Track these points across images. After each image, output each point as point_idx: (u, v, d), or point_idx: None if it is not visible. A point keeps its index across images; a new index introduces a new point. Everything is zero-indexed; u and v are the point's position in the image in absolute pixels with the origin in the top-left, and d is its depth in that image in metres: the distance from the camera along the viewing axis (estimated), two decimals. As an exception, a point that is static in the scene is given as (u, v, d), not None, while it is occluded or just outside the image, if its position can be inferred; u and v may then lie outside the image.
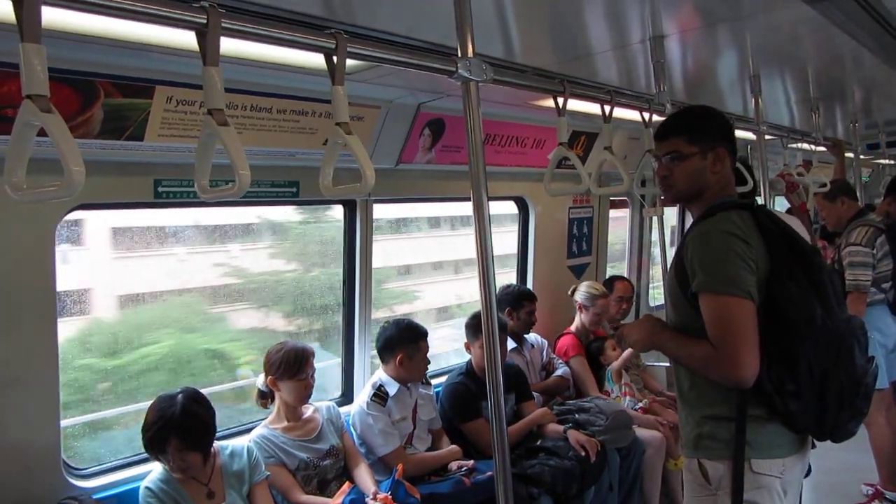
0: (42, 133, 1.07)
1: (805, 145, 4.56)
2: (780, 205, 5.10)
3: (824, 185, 4.30)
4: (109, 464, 2.82)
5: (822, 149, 4.91)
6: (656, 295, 6.08)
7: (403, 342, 3.39)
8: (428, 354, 3.46)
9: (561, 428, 3.73)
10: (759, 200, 3.57)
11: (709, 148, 2.06)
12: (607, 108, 2.44)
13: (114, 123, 2.31)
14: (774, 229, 1.91)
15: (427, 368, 3.49)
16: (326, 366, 3.85)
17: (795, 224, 3.31)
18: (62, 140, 1.05)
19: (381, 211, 3.87)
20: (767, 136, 3.55)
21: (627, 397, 4.32)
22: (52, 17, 1.08)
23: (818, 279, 1.88)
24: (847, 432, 1.95)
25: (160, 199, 2.74)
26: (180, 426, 2.47)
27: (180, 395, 2.54)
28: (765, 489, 1.92)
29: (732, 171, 2.12)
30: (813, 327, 1.82)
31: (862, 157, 6.44)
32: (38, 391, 2.48)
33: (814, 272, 1.88)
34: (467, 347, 3.78)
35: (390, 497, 2.86)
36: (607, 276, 5.16)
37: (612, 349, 4.48)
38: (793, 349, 1.83)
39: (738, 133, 3.28)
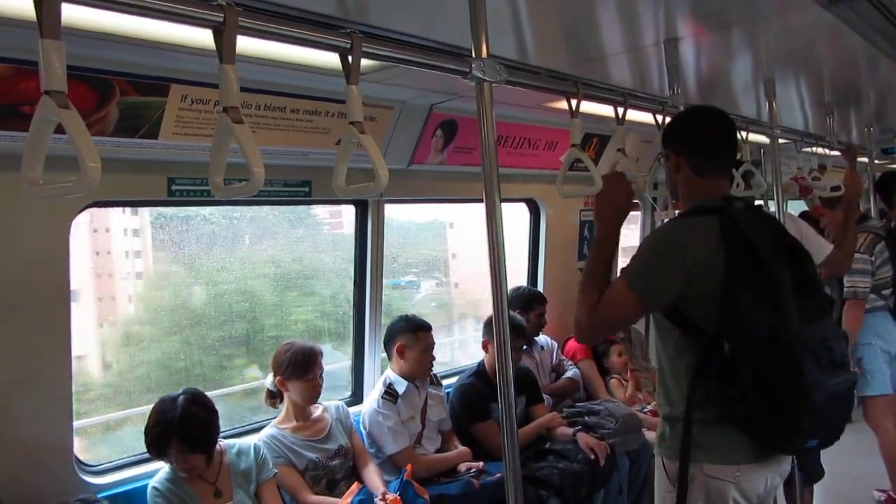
0: (58, 130, 1.08)
1: (819, 149, 4.52)
2: (793, 207, 5.07)
3: (838, 188, 4.27)
4: (121, 461, 2.84)
5: (837, 153, 4.88)
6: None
7: (402, 332, 3.44)
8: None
9: (570, 431, 3.72)
10: (772, 205, 3.56)
11: (671, 152, 2.16)
12: (620, 111, 2.43)
13: (129, 121, 2.32)
14: (737, 235, 1.90)
15: (431, 363, 3.49)
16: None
17: (797, 228, 3.32)
18: (79, 136, 1.05)
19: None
20: (781, 140, 3.52)
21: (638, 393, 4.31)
22: (71, 14, 1.08)
23: (776, 290, 1.86)
24: (793, 447, 1.98)
25: (174, 197, 2.76)
26: (181, 429, 2.48)
27: (181, 398, 2.54)
28: (717, 493, 1.93)
29: (701, 176, 2.10)
30: (758, 337, 1.82)
31: (877, 161, 6.39)
32: (51, 388, 2.49)
33: (773, 282, 1.87)
34: (485, 346, 3.78)
35: (399, 498, 2.86)
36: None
37: (617, 354, 4.47)
38: (738, 356, 1.84)
39: (752, 136, 3.27)
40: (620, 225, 2.16)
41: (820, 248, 3.56)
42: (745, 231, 1.91)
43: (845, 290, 3.94)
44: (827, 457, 3.75)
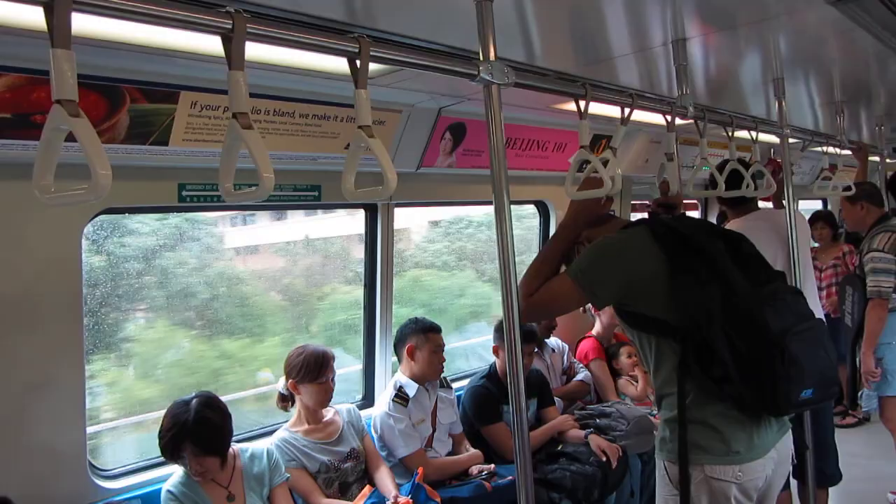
0: (70, 138, 1.09)
1: (830, 149, 4.49)
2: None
3: (849, 188, 4.25)
4: (134, 465, 2.85)
5: (848, 152, 4.85)
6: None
7: (412, 333, 3.45)
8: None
9: (582, 433, 3.71)
10: (784, 204, 3.54)
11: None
12: (627, 112, 2.43)
13: (139, 128, 2.34)
14: (668, 234, 2.07)
15: (441, 365, 3.49)
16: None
17: (772, 219, 3.32)
18: (90, 144, 1.06)
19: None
20: (791, 140, 3.50)
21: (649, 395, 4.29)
22: (81, 23, 1.09)
23: (716, 264, 1.99)
24: (790, 403, 1.96)
25: (184, 203, 2.77)
26: (194, 432, 2.49)
27: (194, 401, 2.55)
28: (720, 494, 1.96)
29: None
30: (713, 310, 1.92)
31: (888, 160, 6.34)
32: (64, 393, 2.51)
33: (710, 258, 2.00)
34: (496, 351, 3.79)
35: (411, 500, 2.87)
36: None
37: (626, 356, 4.46)
38: (707, 336, 1.92)
39: (762, 136, 3.25)
40: (585, 224, 2.30)
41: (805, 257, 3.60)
42: (674, 226, 2.10)
43: (868, 289, 3.91)
44: (842, 459, 3.73)
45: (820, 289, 5.63)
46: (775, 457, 2.05)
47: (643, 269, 2.04)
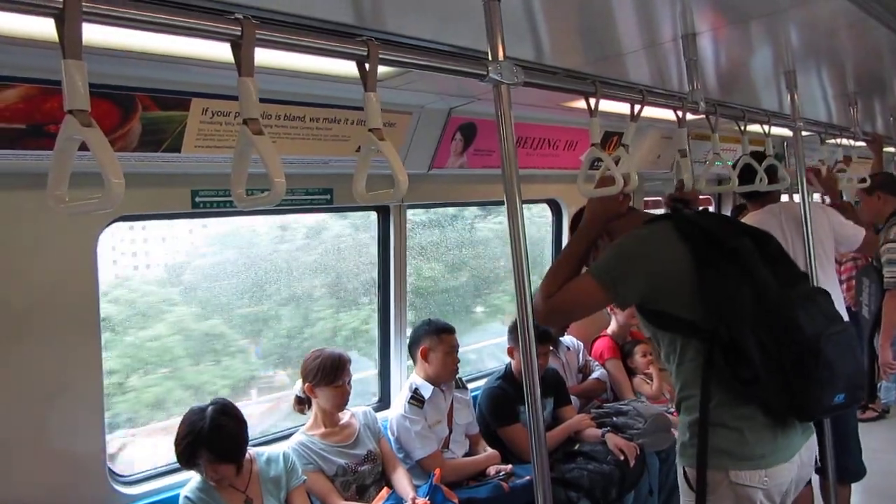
0: (83, 147, 1.10)
1: (844, 141, 4.45)
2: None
3: (864, 180, 4.21)
4: (153, 471, 2.87)
5: (862, 144, 4.80)
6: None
7: (425, 335, 3.45)
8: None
9: (599, 432, 3.70)
10: (797, 198, 3.51)
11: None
12: (637, 108, 2.41)
13: (152, 136, 2.35)
14: (692, 229, 2.02)
15: (456, 366, 3.48)
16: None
17: (827, 218, 3.27)
18: (102, 153, 1.07)
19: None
20: (804, 133, 3.47)
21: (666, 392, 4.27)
22: (92, 34, 1.10)
23: (746, 262, 1.93)
24: (822, 408, 1.92)
25: (198, 209, 2.79)
26: (210, 440, 2.50)
27: (210, 409, 2.56)
28: (745, 499, 1.91)
29: None
30: (745, 309, 1.87)
31: (903, 151, 6.28)
32: (82, 399, 2.53)
33: (738, 256, 1.94)
34: (510, 352, 3.78)
35: (429, 502, 2.87)
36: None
37: (641, 354, 4.44)
38: (736, 336, 1.86)
39: (774, 130, 3.23)
40: (605, 222, 2.26)
41: (855, 231, 3.52)
42: (699, 222, 2.05)
43: (886, 280, 3.88)
44: (865, 454, 3.69)
45: (840, 282, 5.59)
46: (798, 461, 2.00)
47: (669, 265, 1.98)
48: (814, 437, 2.10)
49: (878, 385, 4.27)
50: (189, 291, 3.53)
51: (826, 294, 2.07)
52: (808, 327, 1.85)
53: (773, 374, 1.84)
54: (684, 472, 2.01)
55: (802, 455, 2.02)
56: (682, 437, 2.04)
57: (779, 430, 1.94)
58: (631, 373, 4.46)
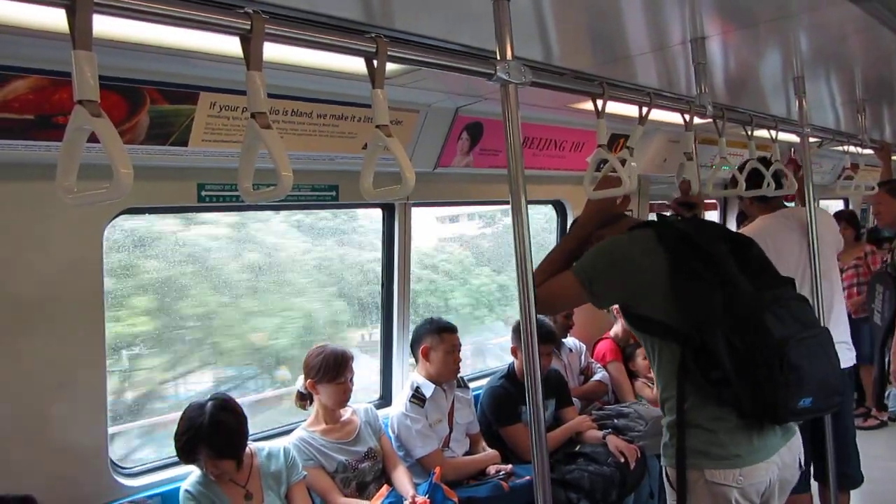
0: (92, 138, 1.10)
1: (851, 148, 4.44)
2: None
3: (873, 188, 4.19)
4: (155, 463, 2.88)
5: (870, 151, 4.79)
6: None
7: (427, 333, 3.45)
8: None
9: (600, 433, 3.70)
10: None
11: None
12: (644, 111, 2.41)
13: (159, 129, 2.36)
14: (672, 235, 2.06)
15: (457, 365, 3.48)
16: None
17: (798, 216, 3.28)
18: (111, 143, 1.07)
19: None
20: (812, 139, 3.46)
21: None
22: (102, 26, 1.10)
23: (720, 267, 1.97)
24: (789, 411, 1.93)
25: (204, 203, 2.79)
26: (209, 435, 2.50)
27: (209, 404, 2.56)
28: (721, 498, 1.95)
29: None
30: (714, 313, 1.90)
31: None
32: (86, 392, 2.54)
33: (714, 260, 1.98)
34: (514, 352, 3.78)
35: (428, 500, 2.87)
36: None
37: (642, 357, 4.44)
38: (706, 338, 1.90)
39: (782, 136, 3.22)
40: (600, 223, 2.30)
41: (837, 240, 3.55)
42: (678, 227, 2.11)
43: None
44: (864, 461, 3.68)
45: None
46: (779, 462, 2.02)
47: (645, 270, 2.03)
48: (797, 439, 2.12)
49: (888, 393, 4.22)
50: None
51: (804, 300, 2.11)
52: (777, 331, 1.88)
53: (744, 377, 1.88)
54: (666, 472, 2.07)
55: (784, 456, 2.04)
56: (664, 438, 2.09)
57: (754, 432, 1.97)
58: (632, 375, 4.45)
